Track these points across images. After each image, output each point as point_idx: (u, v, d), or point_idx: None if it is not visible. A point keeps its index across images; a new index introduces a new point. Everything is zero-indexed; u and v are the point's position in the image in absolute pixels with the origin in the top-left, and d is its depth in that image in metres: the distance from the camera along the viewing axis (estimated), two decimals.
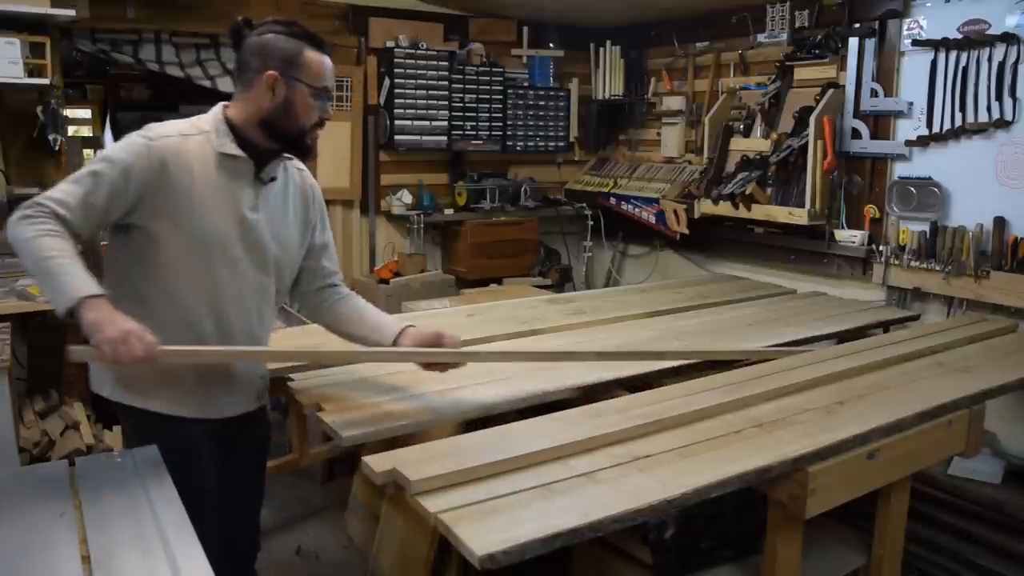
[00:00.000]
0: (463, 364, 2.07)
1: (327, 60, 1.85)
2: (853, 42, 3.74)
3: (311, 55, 1.81)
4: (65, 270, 1.58)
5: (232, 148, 1.81)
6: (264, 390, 2.07)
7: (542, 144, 5.16)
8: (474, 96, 4.81)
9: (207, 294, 1.82)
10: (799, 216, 3.83)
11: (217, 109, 1.86)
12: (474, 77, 4.80)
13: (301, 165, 2.04)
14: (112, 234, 1.82)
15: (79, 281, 1.57)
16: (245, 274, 1.86)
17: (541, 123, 5.13)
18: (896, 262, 3.56)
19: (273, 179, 1.91)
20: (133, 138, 1.76)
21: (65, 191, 1.68)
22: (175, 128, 1.80)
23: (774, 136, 4.00)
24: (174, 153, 1.75)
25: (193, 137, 1.79)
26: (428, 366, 2.03)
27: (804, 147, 3.80)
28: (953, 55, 3.37)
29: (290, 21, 1.84)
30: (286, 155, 1.92)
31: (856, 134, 3.77)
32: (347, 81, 4.48)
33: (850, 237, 3.80)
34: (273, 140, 1.84)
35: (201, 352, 1.81)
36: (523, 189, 5.05)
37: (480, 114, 4.85)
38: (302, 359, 2.23)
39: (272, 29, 1.81)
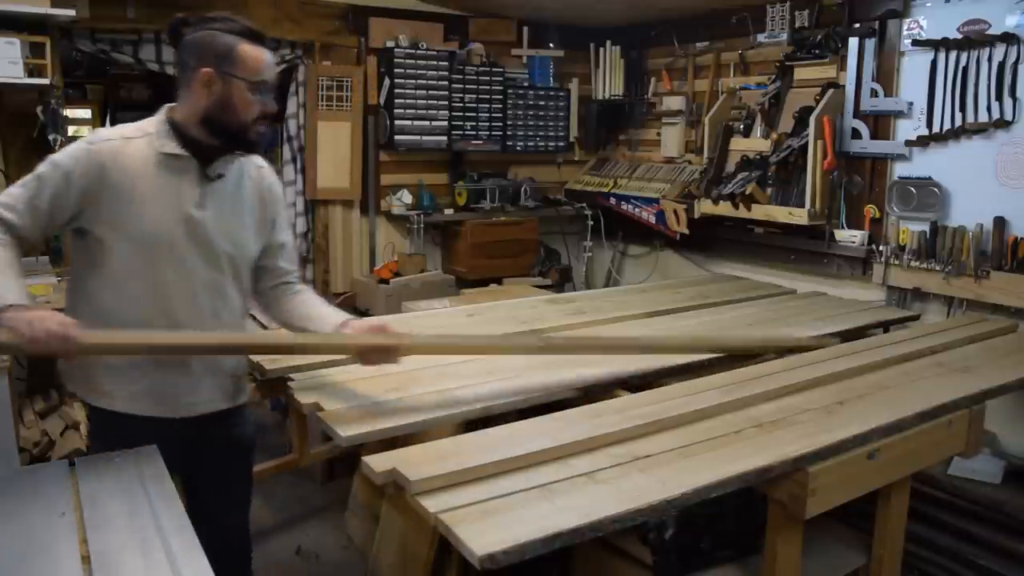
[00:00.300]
0: (397, 359, 1.99)
1: (265, 54, 1.83)
2: (853, 42, 3.74)
3: (246, 49, 1.79)
4: None
5: (173, 147, 1.81)
6: (239, 390, 2.04)
7: (542, 144, 5.16)
8: (474, 96, 4.81)
9: (156, 294, 1.82)
10: (799, 216, 3.83)
11: (162, 110, 1.87)
12: (474, 77, 4.80)
13: (262, 163, 2.03)
14: (72, 238, 1.87)
15: (4, 290, 1.63)
16: (195, 272, 1.86)
17: (541, 123, 5.13)
18: (896, 262, 3.56)
19: (221, 176, 1.89)
20: (78, 143, 1.80)
21: (12, 195, 1.74)
22: (119, 132, 1.83)
23: (774, 136, 4.00)
24: (113, 156, 1.77)
25: (135, 140, 1.81)
26: (365, 360, 1.98)
27: (804, 147, 3.80)
28: (953, 55, 3.37)
29: (226, 16, 1.83)
30: (239, 152, 1.90)
31: (856, 134, 3.77)
32: (347, 81, 4.48)
33: (850, 237, 3.80)
34: (215, 137, 1.83)
35: (129, 337, 1.77)
36: (523, 189, 5.05)
37: (480, 114, 4.85)
38: (238, 351, 2.05)
39: (207, 26, 1.80)
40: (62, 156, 1.76)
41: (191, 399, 1.91)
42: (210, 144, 1.84)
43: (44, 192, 1.73)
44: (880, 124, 3.72)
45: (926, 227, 3.48)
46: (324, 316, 2.03)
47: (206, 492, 2.03)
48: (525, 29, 5.11)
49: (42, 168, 1.76)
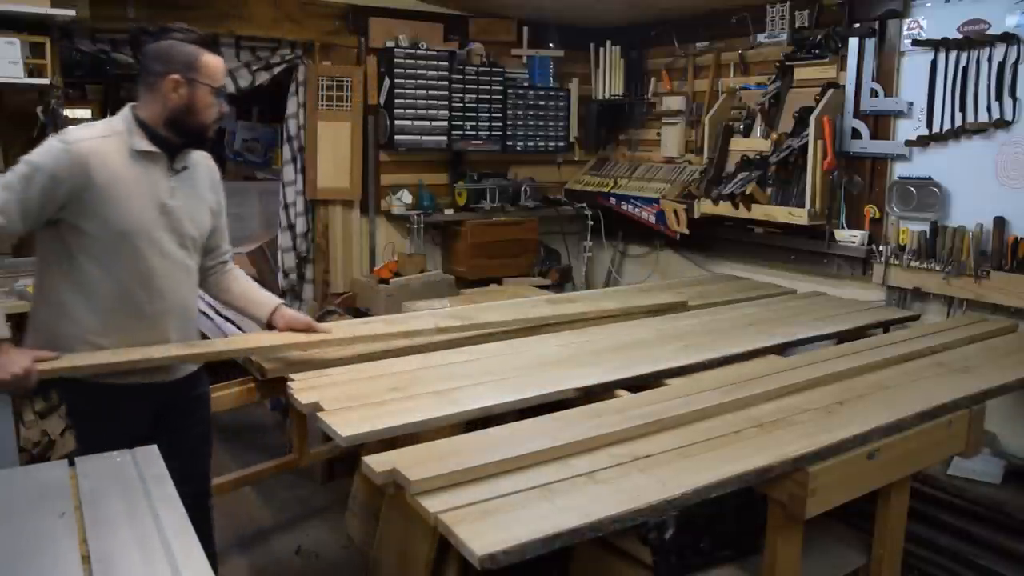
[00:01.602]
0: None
1: (222, 62, 2.08)
2: (853, 42, 3.74)
3: (208, 58, 2.03)
4: None
5: (146, 145, 2.01)
6: None
7: (542, 144, 5.16)
8: (474, 96, 4.81)
9: (142, 277, 2.02)
10: (799, 216, 3.83)
11: (127, 110, 2.05)
12: (474, 77, 4.80)
13: (206, 154, 2.26)
14: (46, 230, 1.99)
15: None
16: (171, 254, 2.08)
17: (541, 123, 5.13)
18: (896, 262, 3.56)
19: (185, 168, 2.12)
20: (51, 143, 1.93)
21: (2, 199, 1.87)
22: (91, 132, 1.98)
23: (774, 136, 4.00)
24: (94, 155, 1.93)
25: (109, 138, 1.98)
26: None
27: (804, 147, 3.80)
28: (953, 55, 3.37)
29: (185, 27, 2.05)
30: (196, 148, 2.15)
31: (856, 134, 3.77)
32: (347, 81, 4.48)
33: (850, 237, 3.80)
34: (179, 135, 2.05)
35: (78, 359, 1.97)
36: (523, 189, 5.05)
37: (480, 114, 4.85)
38: (193, 360, 2.23)
39: (170, 36, 2.01)
40: (41, 157, 1.89)
41: (174, 365, 2.14)
42: (174, 141, 2.05)
43: (31, 192, 1.87)
44: (880, 124, 3.72)
45: (926, 227, 3.48)
46: (259, 302, 2.38)
47: (180, 447, 2.16)
48: (525, 29, 5.11)
49: (22, 169, 1.89)
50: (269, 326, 2.38)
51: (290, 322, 2.35)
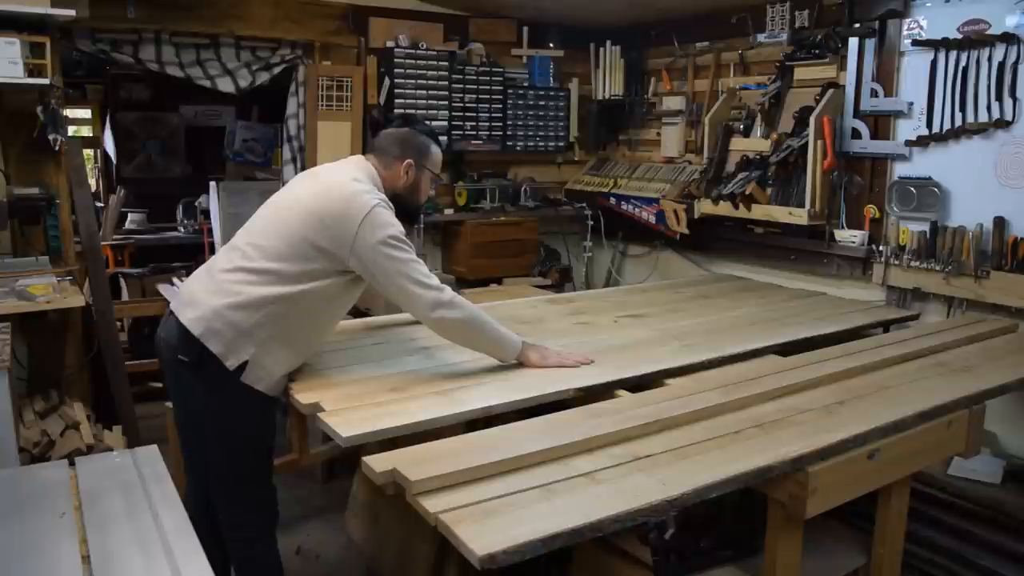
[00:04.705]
0: None
1: (441, 154, 2.39)
2: (853, 42, 3.74)
3: (436, 150, 2.36)
4: (502, 331, 2.30)
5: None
6: None
7: (542, 144, 5.16)
8: (474, 96, 4.81)
9: (336, 315, 2.34)
10: (799, 216, 3.83)
11: (376, 177, 2.27)
12: (474, 77, 4.80)
13: None
14: (334, 275, 2.17)
15: (512, 336, 2.32)
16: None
17: (541, 123, 5.13)
18: (896, 262, 3.56)
19: None
20: (379, 209, 2.12)
21: (426, 272, 2.18)
22: (377, 195, 2.18)
23: (774, 136, 4.00)
24: None
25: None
26: None
27: (804, 147, 3.80)
28: (953, 55, 3.37)
29: (420, 120, 2.43)
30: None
31: (856, 134, 3.77)
32: (347, 81, 4.48)
33: (850, 237, 3.80)
34: (397, 208, 2.26)
35: None
36: (523, 189, 5.05)
37: (480, 114, 4.85)
38: None
39: (409, 125, 2.35)
40: (397, 225, 2.15)
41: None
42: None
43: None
44: (880, 124, 3.71)
45: (926, 227, 3.48)
46: None
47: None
48: (525, 29, 5.11)
49: (406, 242, 2.16)
50: None
51: None
